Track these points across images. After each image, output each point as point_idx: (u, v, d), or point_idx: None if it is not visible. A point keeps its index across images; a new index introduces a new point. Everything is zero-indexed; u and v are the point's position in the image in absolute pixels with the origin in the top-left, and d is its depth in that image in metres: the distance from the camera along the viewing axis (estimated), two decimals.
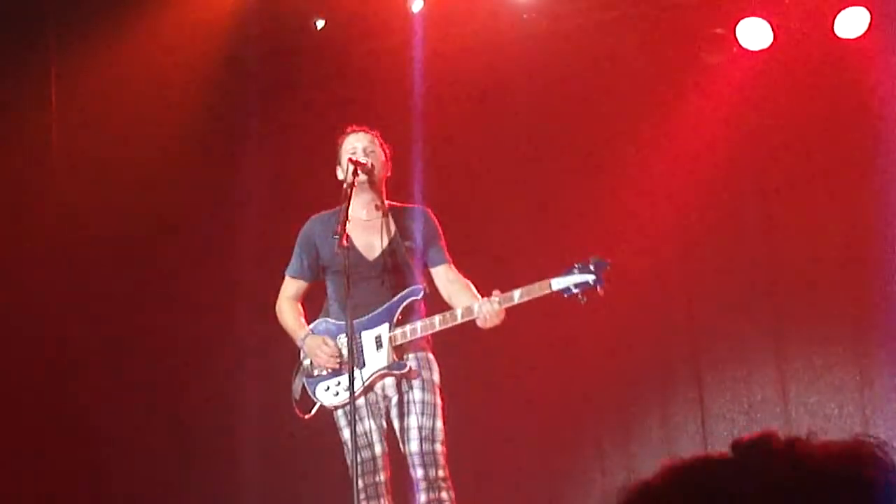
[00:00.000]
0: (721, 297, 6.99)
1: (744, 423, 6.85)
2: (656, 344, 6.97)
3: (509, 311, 4.71)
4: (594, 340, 6.81)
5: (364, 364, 4.84)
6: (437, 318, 4.77)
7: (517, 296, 4.64)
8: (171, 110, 6.94)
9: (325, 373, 4.91)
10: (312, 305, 5.12)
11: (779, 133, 6.94)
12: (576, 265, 4.61)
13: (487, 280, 4.89)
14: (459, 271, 4.95)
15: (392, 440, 4.88)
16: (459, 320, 4.73)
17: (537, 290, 4.62)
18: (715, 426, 6.87)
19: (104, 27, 6.69)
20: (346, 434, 4.82)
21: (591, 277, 4.57)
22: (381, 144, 5.02)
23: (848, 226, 6.78)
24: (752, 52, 6.93)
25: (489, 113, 7.22)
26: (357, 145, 4.95)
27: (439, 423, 4.82)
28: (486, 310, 4.65)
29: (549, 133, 7.23)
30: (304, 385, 4.98)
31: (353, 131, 5.02)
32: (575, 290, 4.58)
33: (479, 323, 4.70)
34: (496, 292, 4.67)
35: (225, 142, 7.28)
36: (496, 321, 4.68)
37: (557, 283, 4.61)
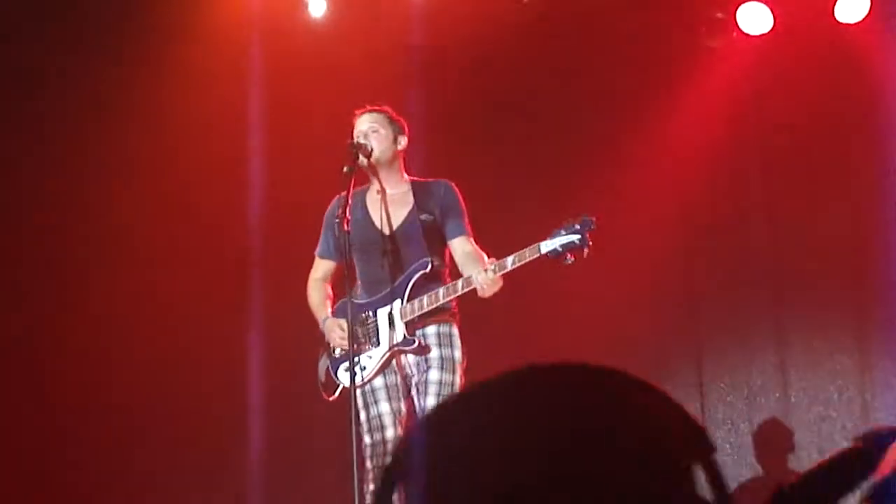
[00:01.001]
0: (721, 283, 6.99)
1: (743, 408, 6.86)
2: (656, 330, 6.96)
3: (511, 289, 4.75)
4: (594, 325, 6.80)
5: (379, 343, 4.87)
6: (441, 290, 4.80)
7: (510, 262, 4.67)
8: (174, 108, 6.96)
9: (343, 355, 4.91)
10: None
11: (779, 118, 6.93)
12: (563, 226, 4.65)
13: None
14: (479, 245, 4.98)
15: (409, 423, 4.88)
16: (460, 290, 4.76)
17: (528, 254, 4.66)
18: (714, 412, 6.87)
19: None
20: (363, 415, 4.84)
21: (576, 237, 4.61)
22: (393, 120, 5.05)
23: (849, 211, 6.78)
24: (753, 36, 6.92)
25: (488, 97, 7.21)
26: (361, 129, 5.00)
27: None
28: (482, 278, 4.67)
29: (548, 116, 7.21)
30: (328, 367, 5.01)
31: (360, 114, 5.07)
32: (561, 251, 4.61)
33: (479, 292, 4.73)
34: (491, 260, 4.71)
35: (231, 132, 7.28)
36: (494, 288, 4.72)
37: (546, 246, 4.64)
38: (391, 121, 5.04)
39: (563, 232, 4.64)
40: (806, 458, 6.63)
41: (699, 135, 6.95)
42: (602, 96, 7.13)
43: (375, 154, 4.94)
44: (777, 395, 6.87)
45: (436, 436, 1.26)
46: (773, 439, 6.72)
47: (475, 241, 5.00)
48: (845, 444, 6.54)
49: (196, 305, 6.91)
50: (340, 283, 5.09)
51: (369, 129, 4.98)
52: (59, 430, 6.68)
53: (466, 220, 5.01)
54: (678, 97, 6.99)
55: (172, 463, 6.80)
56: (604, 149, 7.05)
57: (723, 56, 6.99)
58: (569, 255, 4.62)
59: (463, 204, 5.03)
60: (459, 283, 4.77)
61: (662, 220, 6.94)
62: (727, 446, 6.81)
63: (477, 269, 4.72)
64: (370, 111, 5.05)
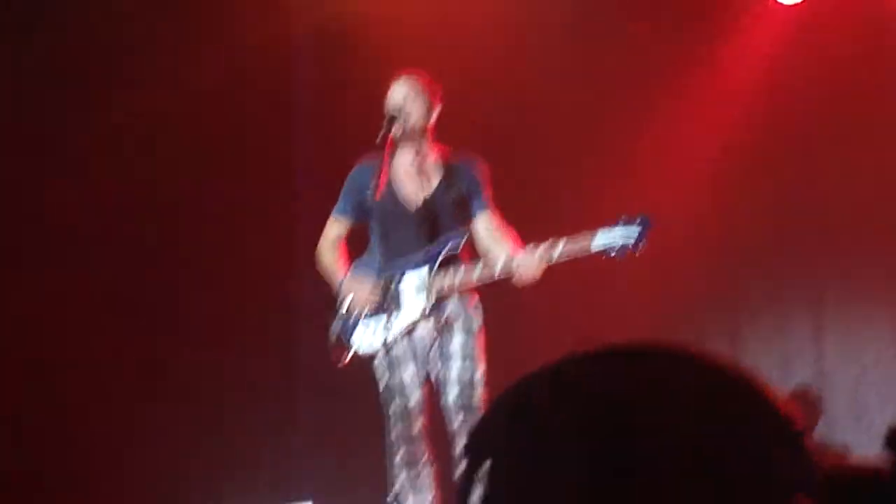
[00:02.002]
0: (756, 247, 6.99)
1: (779, 373, 6.87)
2: (690, 297, 6.98)
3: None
4: (627, 292, 6.78)
5: (401, 308, 4.77)
6: (476, 270, 4.68)
7: (558, 251, 4.54)
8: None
9: (361, 318, 4.82)
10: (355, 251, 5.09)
11: (816, 88, 6.91)
12: (621, 219, 4.52)
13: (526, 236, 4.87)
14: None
15: (432, 387, 4.80)
16: (496, 275, 4.64)
17: (581, 241, 4.53)
18: None
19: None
20: (382, 382, 4.77)
21: (636, 232, 4.49)
22: (428, 87, 4.87)
23: (884, 174, 6.77)
24: (787, 6, 6.93)
25: (518, 75, 7.18)
26: (396, 96, 4.83)
27: (479, 371, 4.74)
28: (527, 263, 4.58)
29: (579, 87, 7.16)
30: (340, 330, 4.89)
31: (396, 79, 4.88)
32: (614, 245, 4.49)
33: (515, 278, 4.61)
34: (533, 244, 4.59)
35: (280, 114, 7.30)
36: (536, 275, 4.59)
37: (601, 238, 4.52)
38: (426, 90, 4.88)
39: (621, 224, 4.51)
40: (841, 424, 6.66)
41: (735, 108, 6.96)
42: (634, 68, 7.10)
43: (410, 123, 4.80)
44: (812, 360, 6.90)
45: (519, 415, 1.28)
46: (807, 405, 6.74)
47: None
48: (880, 410, 6.57)
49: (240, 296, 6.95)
50: (351, 246, 5.00)
51: (408, 96, 4.82)
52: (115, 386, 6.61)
53: (491, 196, 4.87)
54: (713, 68, 6.99)
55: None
56: (636, 122, 7.04)
57: (757, 26, 6.99)
58: (618, 251, 4.50)
59: (489, 181, 4.88)
60: (497, 267, 4.64)
61: (697, 191, 6.95)
62: None
63: (520, 253, 4.60)
64: (406, 79, 4.88)
